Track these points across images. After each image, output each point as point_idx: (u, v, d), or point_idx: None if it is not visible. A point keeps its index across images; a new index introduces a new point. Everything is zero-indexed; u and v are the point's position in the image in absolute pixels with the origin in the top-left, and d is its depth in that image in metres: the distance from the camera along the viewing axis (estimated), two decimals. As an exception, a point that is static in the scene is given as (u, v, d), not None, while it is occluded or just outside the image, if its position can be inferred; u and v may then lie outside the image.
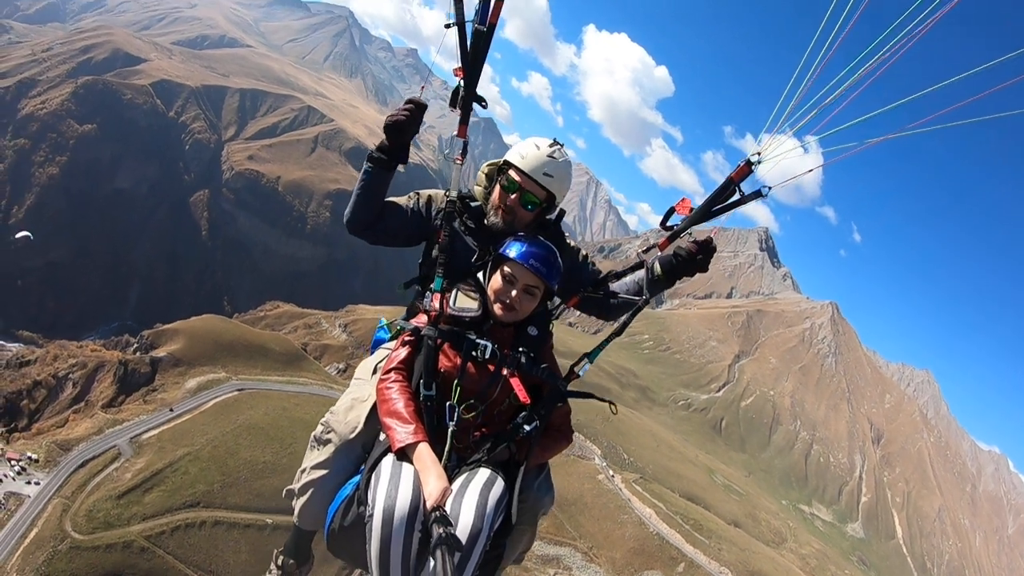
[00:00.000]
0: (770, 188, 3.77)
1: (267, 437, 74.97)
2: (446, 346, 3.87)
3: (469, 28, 4.02)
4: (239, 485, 67.49)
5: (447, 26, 4.03)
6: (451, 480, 3.47)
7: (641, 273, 4.44)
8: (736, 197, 3.87)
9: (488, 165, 4.60)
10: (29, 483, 60.70)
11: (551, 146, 4.29)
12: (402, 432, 3.52)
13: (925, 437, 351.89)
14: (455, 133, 4.38)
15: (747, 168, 3.74)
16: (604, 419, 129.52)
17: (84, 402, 79.34)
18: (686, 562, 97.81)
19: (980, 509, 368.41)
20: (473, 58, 4.11)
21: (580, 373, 4.19)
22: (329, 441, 4.14)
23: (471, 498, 3.35)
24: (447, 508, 3.26)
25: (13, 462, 62.40)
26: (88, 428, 70.72)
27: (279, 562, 5.04)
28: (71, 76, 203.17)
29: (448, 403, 3.72)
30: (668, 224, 4.22)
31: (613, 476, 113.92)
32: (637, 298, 4.36)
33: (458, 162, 4.36)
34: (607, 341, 4.25)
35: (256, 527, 64.73)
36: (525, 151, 4.28)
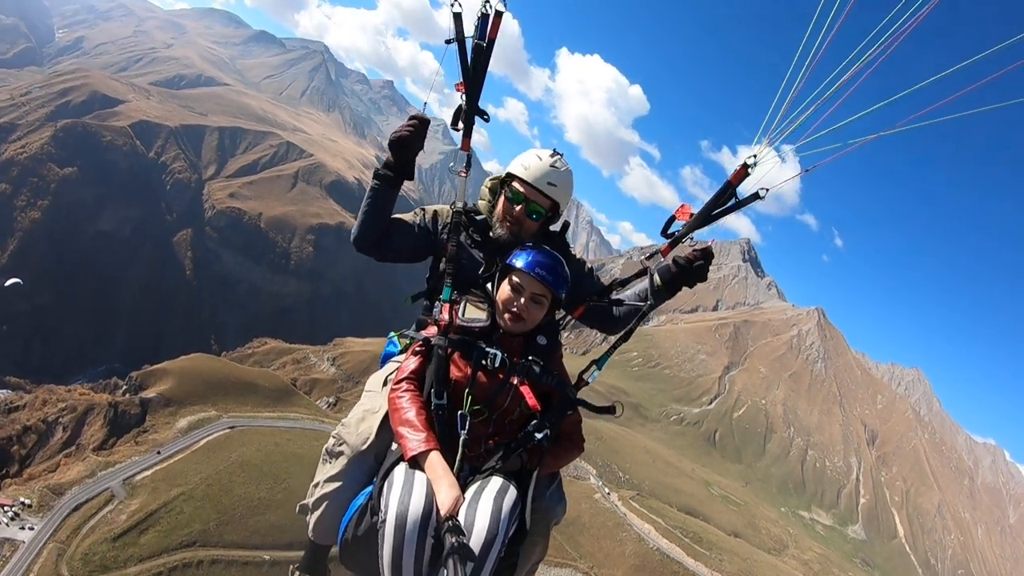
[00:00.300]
0: (767, 190, 3.88)
1: (261, 473, 74.66)
2: (456, 356, 3.91)
3: (469, 44, 4.16)
4: (235, 522, 67.15)
5: (447, 42, 4.17)
6: (464, 489, 3.45)
7: (645, 281, 4.47)
8: (734, 200, 3.98)
9: (491, 179, 4.68)
10: (23, 528, 60.10)
11: (552, 156, 4.36)
12: (414, 441, 3.54)
13: (919, 435, 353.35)
14: (459, 147, 4.53)
15: (744, 171, 3.84)
16: (597, 438, 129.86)
17: (75, 446, 78.78)
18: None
19: (980, 502, 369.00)
20: (474, 73, 4.25)
21: (589, 380, 4.20)
22: (341, 453, 4.14)
23: (485, 505, 3.33)
24: (460, 516, 3.25)
25: (6, 508, 61.74)
26: (80, 471, 70.18)
27: None
28: (50, 119, 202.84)
29: (459, 412, 3.73)
30: (669, 231, 4.30)
31: (609, 494, 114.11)
32: (642, 304, 4.39)
33: (462, 175, 4.55)
34: (614, 347, 4.30)
35: (254, 564, 64.40)
36: (528, 162, 4.33)
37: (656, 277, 4.31)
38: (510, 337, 3.98)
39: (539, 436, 3.73)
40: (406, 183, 4.38)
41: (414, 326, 4.66)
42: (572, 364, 3.85)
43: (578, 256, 4.80)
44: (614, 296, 4.60)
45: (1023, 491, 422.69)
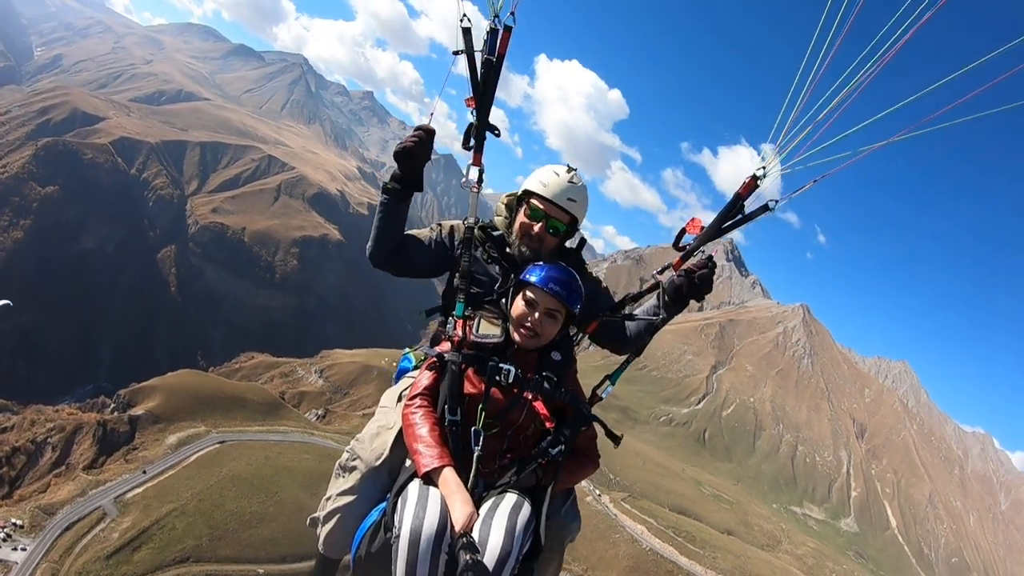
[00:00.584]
0: (777, 202, 3.83)
1: (252, 487, 74.49)
2: (470, 371, 3.88)
3: (478, 58, 4.17)
4: (228, 537, 66.95)
5: (455, 53, 4.18)
6: (478, 505, 3.46)
7: (655, 296, 4.43)
8: (744, 213, 3.97)
9: (507, 196, 4.67)
10: (15, 549, 59.86)
11: (568, 172, 4.39)
12: (428, 457, 3.53)
13: (908, 426, 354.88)
14: (470, 162, 4.45)
15: (753, 183, 3.83)
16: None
17: (65, 465, 78.46)
18: (683, 574, 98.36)
19: (971, 490, 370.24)
20: (484, 88, 4.23)
21: (603, 395, 4.18)
22: (355, 468, 4.12)
23: (500, 522, 3.34)
24: (475, 533, 3.25)
25: (-2, 530, 61.72)
26: (71, 491, 70.00)
27: None
28: (31, 138, 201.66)
29: (473, 428, 3.71)
30: (681, 244, 4.31)
31: (600, 496, 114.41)
32: (654, 317, 4.34)
33: (475, 190, 4.45)
34: (627, 362, 4.32)
35: (248, 578, 64.45)
36: (546, 179, 4.35)
37: (665, 296, 4.29)
38: (525, 353, 3.99)
39: (553, 451, 3.75)
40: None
41: (428, 342, 4.73)
42: (590, 377, 4.11)
43: (594, 275, 4.86)
44: (626, 311, 4.61)
45: (1013, 478, 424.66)
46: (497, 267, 4.49)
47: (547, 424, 3.78)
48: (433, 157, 4.52)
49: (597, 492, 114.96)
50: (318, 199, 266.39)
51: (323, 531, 4.14)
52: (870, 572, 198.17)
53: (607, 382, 4.16)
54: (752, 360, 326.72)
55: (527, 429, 3.89)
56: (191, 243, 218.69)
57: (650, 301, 4.45)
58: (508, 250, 4.52)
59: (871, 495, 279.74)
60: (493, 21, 4.06)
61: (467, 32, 4.06)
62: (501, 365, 3.80)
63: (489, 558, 3.18)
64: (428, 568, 3.16)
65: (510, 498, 3.51)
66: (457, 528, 3.20)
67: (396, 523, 3.31)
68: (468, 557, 2.98)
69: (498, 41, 4.09)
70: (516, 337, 3.94)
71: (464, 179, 4.46)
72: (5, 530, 61.75)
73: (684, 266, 4.22)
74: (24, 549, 60.23)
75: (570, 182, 4.33)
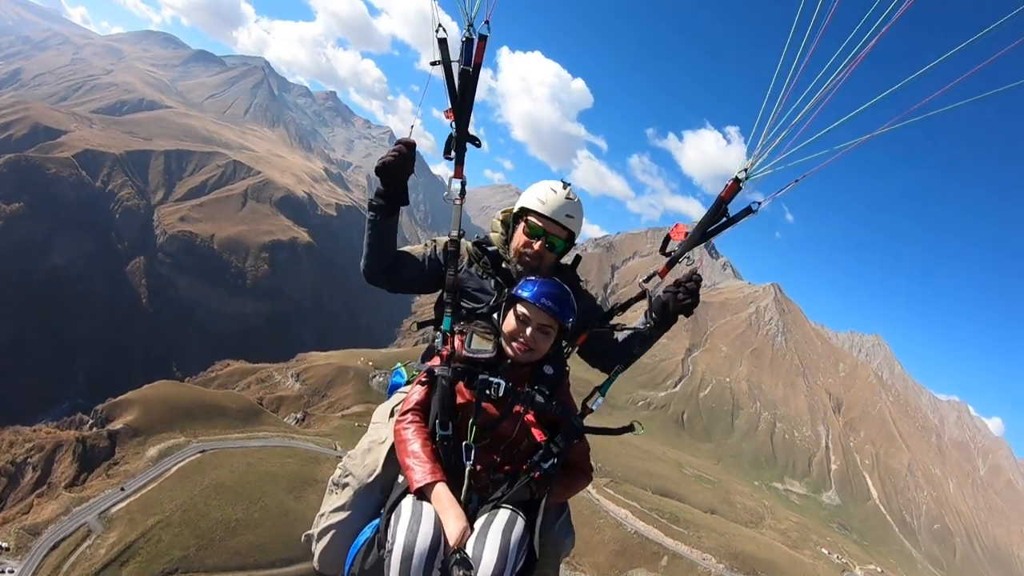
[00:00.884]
0: (759, 203, 3.85)
1: (235, 495, 74.69)
2: (460, 385, 3.89)
3: (455, 69, 4.12)
4: (214, 546, 67.15)
5: (433, 63, 4.07)
6: (472, 520, 3.48)
7: (645, 309, 4.48)
8: (728, 216, 4.00)
9: (503, 212, 4.69)
10: (2, 572, 59.94)
11: (564, 188, 4.37)
12: (420, 472, 3.54)
13: (884, 398, 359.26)
14: (452, 175, 4.37)
15: (735, 186, 3.85)
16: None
17: (46, 484, 78.14)
18: (668, 555, 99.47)
19: (949, 457, 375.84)
20: (462, 99, 4.18)
21: (593, 407, 4.16)
22: (348, 484, 4.09)
23: (493, 538, 3.34)
24: (468, 549, 3.26)
25: (-17, 553, 61.49)
26: (54, 510, 69.89)
27: None
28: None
29: (464, 443, 3.73)
30: (667, 250, 4.31)
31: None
32: (642, 327, 4.40)
33: (457, 203, 4.35)
34: (616, 373, 4.35)
35: (237, 585, 64.73)
36: (544, 196, 4.33)
37: (652, 312, 4.34)
38: (518, 367, 3.99)
39: (546, 465, 3.75)
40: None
41: (421, 357, 4.67)
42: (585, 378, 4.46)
43: (589, 292, 4.85)
44: (614, 322, 4.64)
45: (990, 443, 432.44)
46: (492, 283, 4.49)
47: (539, 437, 3.84)
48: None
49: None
50: (285, 202, 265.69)
51: (318, 548, 4.12)
52: (854, 543, 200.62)
53: (597, 394, 4.18)
54: (726, 341, 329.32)
55: (520, 443, 3.92)
56: (160, 253, 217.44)
57: (640, 319, 4.48)
58: (504, 266, 4.53)
59: (851, 467, 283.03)
60: (467, 31, 4.07)
61: (443, 43, 4.01)
62: (491, 379, 3.82)
63: (483, 575, 3.18)
64: None
65: (504, 514, 3.53)
66: (451, 543, 3.21)
67: (389, 539, 3.31)
68: (461, 573, 2.98)
69: (474, 51, 4.08)
70: (509, 352, 3.97)
71: (446, 192, 4.41)
72: (-9, 553, 61.69)
73: (670, 278, 4.34)
74: (11, 572, 60.22)
75: (567, 198, 4.34)
